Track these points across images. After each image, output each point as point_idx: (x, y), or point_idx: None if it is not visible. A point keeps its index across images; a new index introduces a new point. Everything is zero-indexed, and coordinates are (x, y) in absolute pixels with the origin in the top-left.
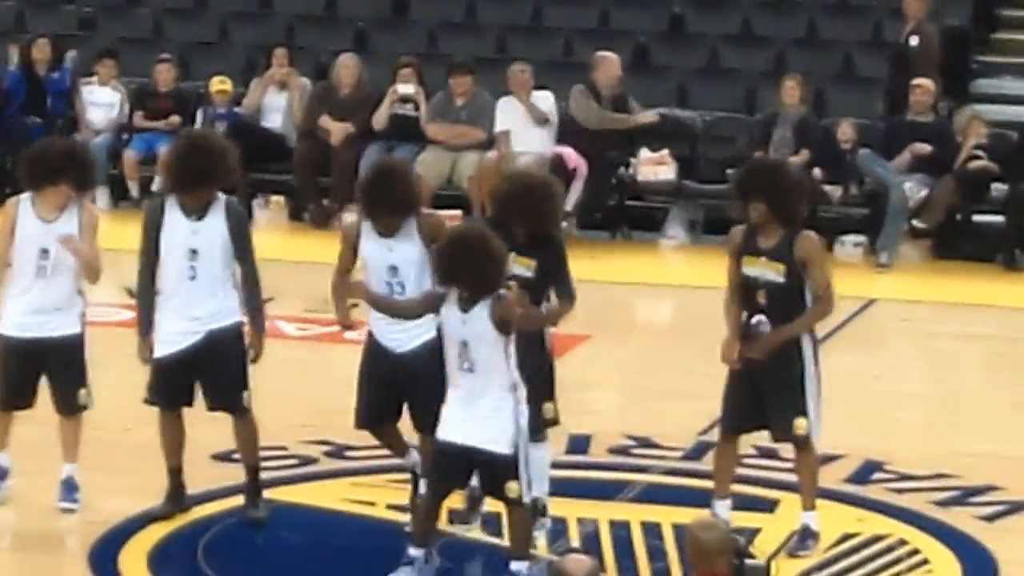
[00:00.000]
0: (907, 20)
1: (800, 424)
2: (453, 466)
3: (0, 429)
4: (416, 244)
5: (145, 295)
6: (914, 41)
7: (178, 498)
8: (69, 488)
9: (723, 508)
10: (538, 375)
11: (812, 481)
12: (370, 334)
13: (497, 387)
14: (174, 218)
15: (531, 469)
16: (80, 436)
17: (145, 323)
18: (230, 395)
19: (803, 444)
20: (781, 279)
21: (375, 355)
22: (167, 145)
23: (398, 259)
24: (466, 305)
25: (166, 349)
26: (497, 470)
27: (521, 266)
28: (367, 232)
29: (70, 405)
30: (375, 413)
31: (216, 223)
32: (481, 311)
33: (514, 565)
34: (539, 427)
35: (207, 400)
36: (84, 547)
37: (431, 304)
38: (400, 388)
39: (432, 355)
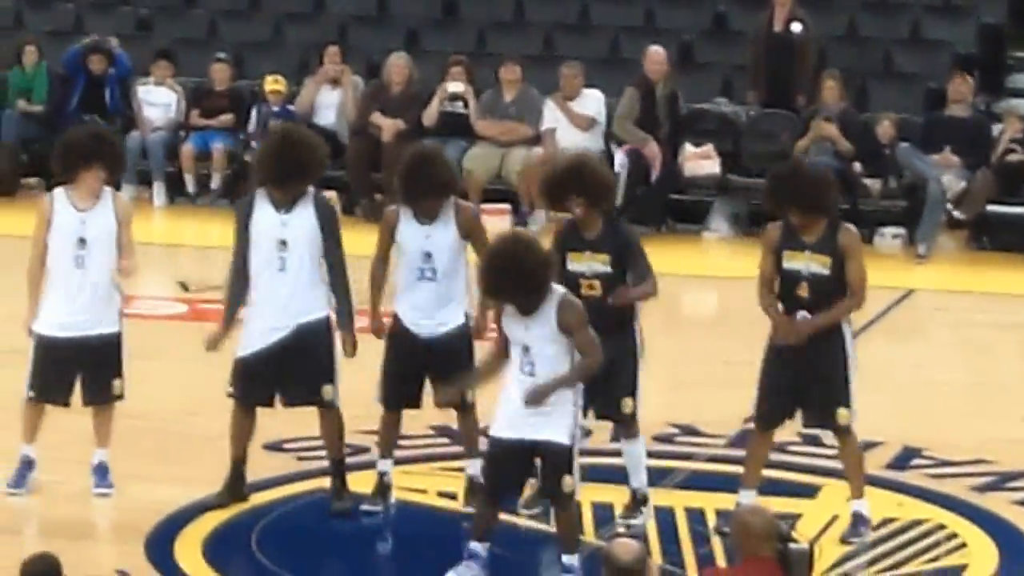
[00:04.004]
0: (775, 6)
1: (843, 414)
2: (512, 463)
3: (32, 422)
4: (451, 232)
5: (232, 289)
6: (796, 28)
7: (237, 488)
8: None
9: (748, 498)
10: (620, 370)
11: (859, 469)
12: (396, 319)
13: None
14: (263, 210)
15: (627, 463)
16: (112, 422)
17: (228, 318)
18: (313, 388)
19: (845, 433)
20: (826, 271)
21: (402, 339)
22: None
23: (433, 246)
24: (524, 310)
25: (254, 346)
26: (556, 461)
27: (597, 262)
28: (406, 219)
29: (102, 395)
30: (402, 395)
31: (305, 215)
32: (544, 317)
33: (566, 558)
34: (627, 423)
35: (288, 395)
36: (140, 535)
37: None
38: (426, 371)
39: (459, 339)
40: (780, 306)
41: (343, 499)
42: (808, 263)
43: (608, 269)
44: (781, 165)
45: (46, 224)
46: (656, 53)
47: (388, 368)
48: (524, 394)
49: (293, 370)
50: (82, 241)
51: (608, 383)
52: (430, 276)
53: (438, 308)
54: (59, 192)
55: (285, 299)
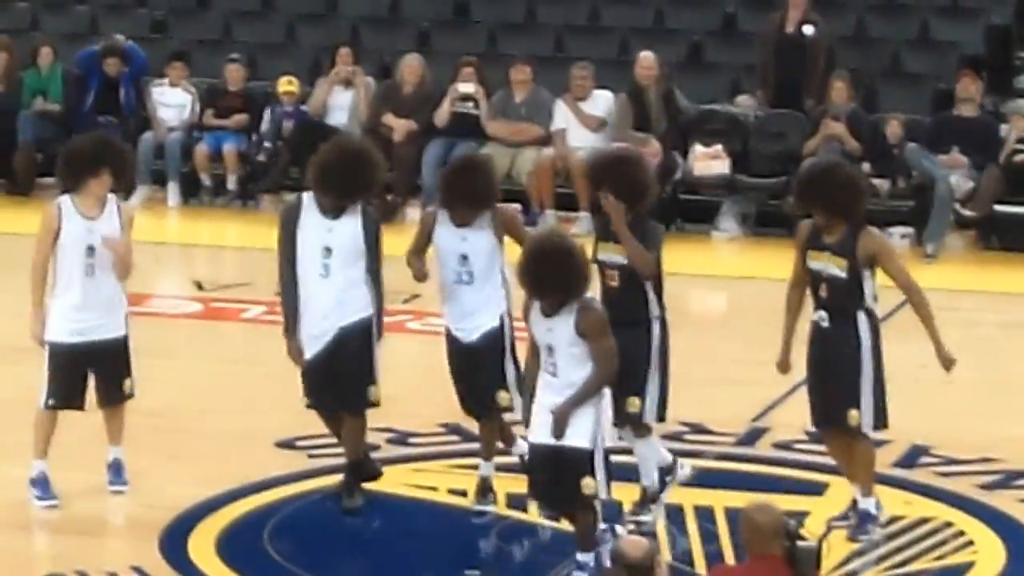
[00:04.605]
0: (788, 7)
1: (853, 415)
2: (540, 466)
3: (45, 434)
4: (488, 235)
5: (287, 295)
6: (809, 30)
7: (367, 472)
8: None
9: (865, 502)
10: (630, 369)
11: (869, 468)
12: (447, 330)
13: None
14: (310, 216)
15: (640, 462)
16: (123, 420)
17: (291, 324)
18: (360, 392)
19: (856, 433)
20: (843, 274)
21: (450, 349)
22: (231, 151)
23: (469, 248)
24: (548, 311)
25: (307, 353)
26: (575, 464)
27: (618, 254)
28: (443, 221)
29: (115, 396)
30: (463, 403)
31: (352, 223)
32: (565, 319)
33: (581, 556)
34: (633, 422)
35: (336, 399)
36: (154, 532)
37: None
38: (466, 376)
39: (491, 341)
40: (801, 307)
41: (354, 496)
42: (827, 264)
43: (626, 262)
44: (818, 162)
45: (52, 233)
46: (645, 59)
47: (455, 383)
48: (551, 430)
49: (340, 375)
50: (91, 249)
51: (617, 381)
52: (467, 280)
53: (476, 311)
54: (65, 200)
55: (327, 306)
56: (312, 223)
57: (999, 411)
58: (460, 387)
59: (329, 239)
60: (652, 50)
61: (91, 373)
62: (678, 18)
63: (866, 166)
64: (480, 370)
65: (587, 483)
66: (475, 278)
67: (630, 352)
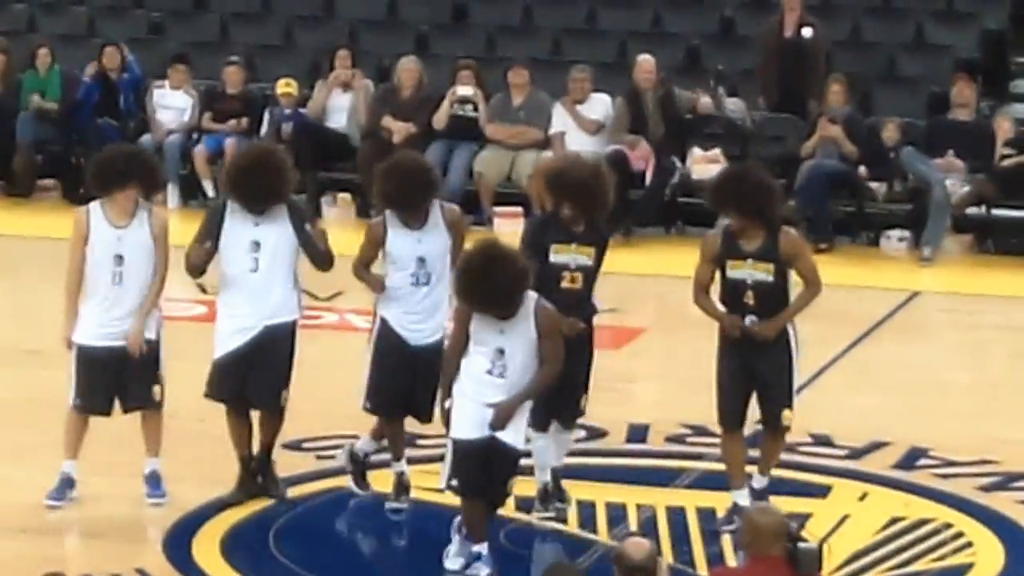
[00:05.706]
0: (784, 12)
1: (787, 416)
2: (481, 461)
3: (75, 435)
4: (443, 235)
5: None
6: (808, 33)
7: (248, 486)
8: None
9: (741, 497)
10: (586, 368)
11: (776, 457)
12: (384, 322)
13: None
14: (236, 214)
15: (557, 450)
16: (161, 430)
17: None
18: (270, 393)
19: (784, 431)
20: (770, 278)
21: (390, 343)
22: (233, 151)
23: (426, 250)
24: (502, 316)
25: (226, 347)
26: (508, 462)
27: (583, 255)
28: (394, 226)
29: (140, 400)
30: (397, 403)
31: (279, 217)
32: (522, 322)
33: (476, 547)
34: (578, 416)
35: (251, 396)
36: (159, 533)
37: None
38: (412, 378)
39: (441, 352)
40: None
41: (278, 485)
42: (751, 271)
43: (590, 263)
44: (732, 166)
45: (83, 240)
46: (645, 62)
47: (379, 378)
48: (491, 420)
49: (259, 371)
50: (119, 258)
51: (573, 381)
52: (424, 281)
53: (430, 315)
54: (95, 207)
55: (255, 299)
56: (238, 219)
57: (996, 413)
58: (402, 387)
59: (256, 233)
60: (649, 54)
61: (117, 378)
62: (675, 22)
63: (863, 169)
64: (430, 377)
65: (513, 483)
66: (432, 280)
67: (585, 349)
